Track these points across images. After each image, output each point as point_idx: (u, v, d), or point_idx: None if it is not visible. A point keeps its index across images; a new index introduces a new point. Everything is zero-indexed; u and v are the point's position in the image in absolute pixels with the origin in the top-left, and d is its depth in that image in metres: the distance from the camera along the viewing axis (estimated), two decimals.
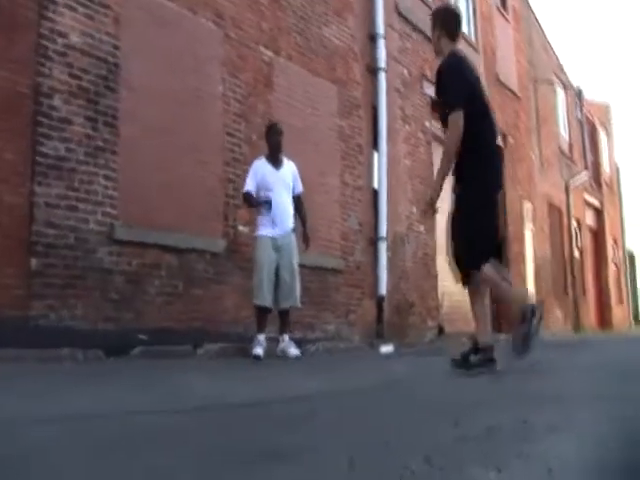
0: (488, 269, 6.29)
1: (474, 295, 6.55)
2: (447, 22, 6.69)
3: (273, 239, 9.15)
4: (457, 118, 6.20)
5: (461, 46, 18.29)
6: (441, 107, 6.58)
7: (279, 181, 9.32)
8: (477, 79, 6.67)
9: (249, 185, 9.32)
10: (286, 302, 9.20)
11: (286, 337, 9.19)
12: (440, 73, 6.47)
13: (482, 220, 6.41)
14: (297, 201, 9.57)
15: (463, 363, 6.33)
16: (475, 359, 6.30)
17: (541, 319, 6.19)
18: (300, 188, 9.59)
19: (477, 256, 6.32)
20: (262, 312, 9.10)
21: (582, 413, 3.94)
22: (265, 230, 9.21)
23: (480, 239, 6.36)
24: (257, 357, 8.71)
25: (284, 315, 9.28)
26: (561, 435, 3.22)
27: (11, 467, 2.63)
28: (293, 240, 9.36)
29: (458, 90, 6.29)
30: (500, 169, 6.59)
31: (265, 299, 9.03)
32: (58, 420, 3.67)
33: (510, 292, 6.56)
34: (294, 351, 9.08)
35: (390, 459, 2.72)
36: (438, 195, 6.59)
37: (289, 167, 9.50)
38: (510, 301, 6.50)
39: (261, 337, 8.93)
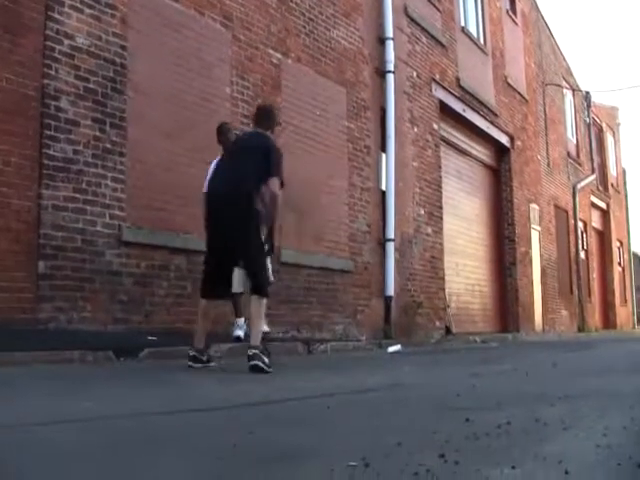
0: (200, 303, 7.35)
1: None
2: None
3: None
4: None
5: (471, 48, 18.45)
6: None
7: None
8: (235, 146, 7.84)
9: (205, 187, 9.27)
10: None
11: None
12: None
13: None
14: None
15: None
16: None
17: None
18: None
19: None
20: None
21: (590, 409, 3.94)
22: None
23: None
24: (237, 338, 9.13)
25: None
26: (571, 431, 3.22)
27: (28, 469, 2.62)
28: None
29: None
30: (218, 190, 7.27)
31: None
32: (72, 421, 3.65)
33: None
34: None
35: (404, 457, 2.70)
36: None
37: None
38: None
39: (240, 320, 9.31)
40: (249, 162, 7.10)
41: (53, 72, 8.10)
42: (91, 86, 8.50)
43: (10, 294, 7.47)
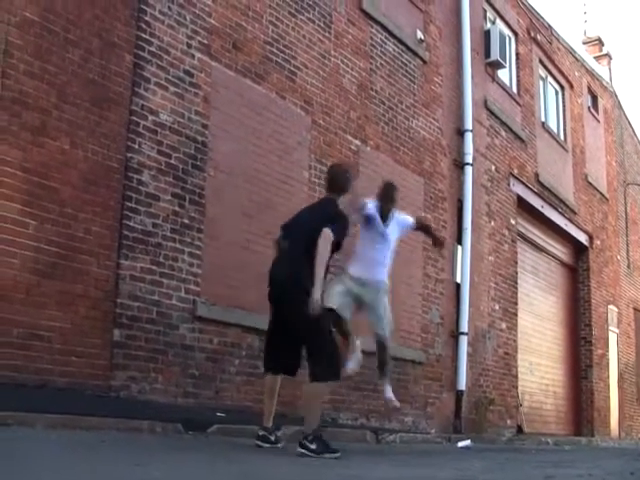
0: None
1: None
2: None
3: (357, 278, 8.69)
4: None
5: (551, 144, 18.27)
6: None
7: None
8: (298, 215, 7.59)
9: None
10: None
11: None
12: None
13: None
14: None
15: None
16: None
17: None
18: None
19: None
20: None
21: None
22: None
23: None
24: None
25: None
26: None
27: None
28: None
29: None
30: (272, 277, 7.07)
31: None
32: None
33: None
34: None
35: None
36: None
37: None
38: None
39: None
40: (301, 240, 6.87)
41: (136, 146, 8.30)
42: (172, 162, 8.67)
43: (85, 359, 7.56)
